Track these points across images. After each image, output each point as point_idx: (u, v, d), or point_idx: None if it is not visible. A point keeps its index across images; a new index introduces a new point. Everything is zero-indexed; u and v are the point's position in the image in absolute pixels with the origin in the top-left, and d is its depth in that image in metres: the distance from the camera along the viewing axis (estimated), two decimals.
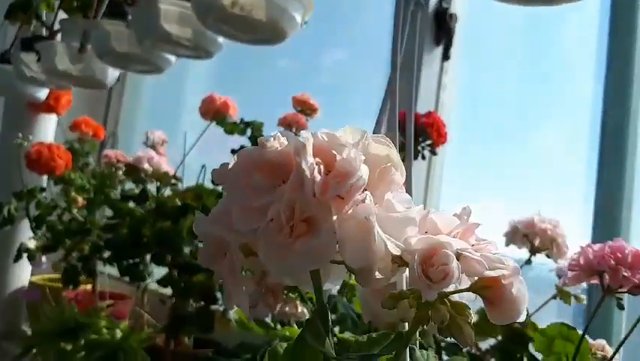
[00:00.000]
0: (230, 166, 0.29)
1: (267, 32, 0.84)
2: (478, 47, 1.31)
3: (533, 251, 0.78)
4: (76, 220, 1.32)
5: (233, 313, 1.15)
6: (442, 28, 1.18)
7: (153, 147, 1.44)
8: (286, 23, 0.80)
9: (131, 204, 1.29)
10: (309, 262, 0.28)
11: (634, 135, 0.98)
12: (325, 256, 0.28)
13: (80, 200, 1.35)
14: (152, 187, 1.34)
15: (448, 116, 1.23)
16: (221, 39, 1.08)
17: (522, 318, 0.29)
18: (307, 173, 0.27)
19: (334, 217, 0.27)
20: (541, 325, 0.65)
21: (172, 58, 1.16)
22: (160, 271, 1.23)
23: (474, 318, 0.29)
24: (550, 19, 1.18)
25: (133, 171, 1.34)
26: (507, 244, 0.79)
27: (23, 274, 1.54)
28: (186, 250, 1.21)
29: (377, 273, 0.29)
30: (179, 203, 1.25)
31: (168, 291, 1.20)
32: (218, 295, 1.19)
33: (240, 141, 1.23)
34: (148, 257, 1.24)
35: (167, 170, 1.31)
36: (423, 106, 1.17)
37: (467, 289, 0.30)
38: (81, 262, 1.26)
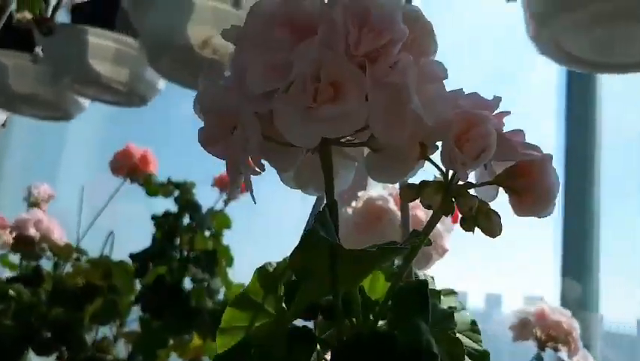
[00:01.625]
0: (247, 18, 0.26)
1: None
2: None
3: (542, 346, 0.66)
4: None
5: None
6: None
7: (36, 204, 1.18)
8: None
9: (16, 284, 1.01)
10: (332, 130, 0.25)
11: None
12: (353, 124, 0.25)
13: None
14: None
15: None
16: (161, 83, 0.90)
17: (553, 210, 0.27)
18: (340, 25, 0.24)
19: (367, 80, 0.25)
20: None
21: (86, 102, 0.96)
22: None
23: None
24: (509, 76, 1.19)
25: (24, 244, 1.05)
26: (515, 340, 0.66)
27: None
28: (88, 338, 0.95)
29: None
30: (80, 283, 1.03)
31: None
32: None
33: (164, 203, 1.07)
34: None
35: (60, 237, 1.09)
36: None
37: (494, 181, 0.28)
38: None
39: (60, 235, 1.08)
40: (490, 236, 0.27)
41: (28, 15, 1.05)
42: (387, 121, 0.25)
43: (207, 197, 1.05)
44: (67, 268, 1.08)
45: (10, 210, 1.18)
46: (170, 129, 1.55)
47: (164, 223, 1.00)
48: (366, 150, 0.29)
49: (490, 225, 0.27)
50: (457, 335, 0.30)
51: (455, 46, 1.23)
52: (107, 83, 0.86)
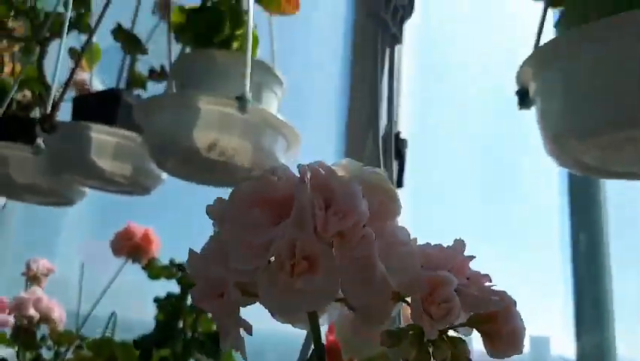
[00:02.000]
0: (227, 202, 0.30)
1: (241, 175, 0.73)
2: (428, 175, 1.28)
3: None
4: None
5: None
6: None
7: (36, 279, 1.17)
8: (268, 164, 0.70)
9: None
10: (312, 302, 0.28)
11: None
12: (329, 295, 0.28)
13: None
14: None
15: None
16: (165, 174, 0.92)
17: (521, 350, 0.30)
18: (308, 209, 0.27)
19: (335, 254, 0.28)
20: None
21: (86, 189, 0.98)
22: None
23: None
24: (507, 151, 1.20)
25: (24, 333, 1.04)
26: None
27: None
28: None
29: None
30: None
31: None
32: None
33: (165, 285, 1.08)
34: None
35: (60, 316, 1.07)
36: None
37: (465, 324, 0.30)
38: None
39: (60, 315, 1.07)
40: None
41: (28, 93, 1.06)
42: (358, 287, 0.28)
43: None
44: (69, 353, 1.06)
45: (8, 285, 1.16)
46: (170, 203, 1.57)
47: (166, 305, 1.01)
48: None
49: None
50: None
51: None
52: (110, 177, 0.86)
